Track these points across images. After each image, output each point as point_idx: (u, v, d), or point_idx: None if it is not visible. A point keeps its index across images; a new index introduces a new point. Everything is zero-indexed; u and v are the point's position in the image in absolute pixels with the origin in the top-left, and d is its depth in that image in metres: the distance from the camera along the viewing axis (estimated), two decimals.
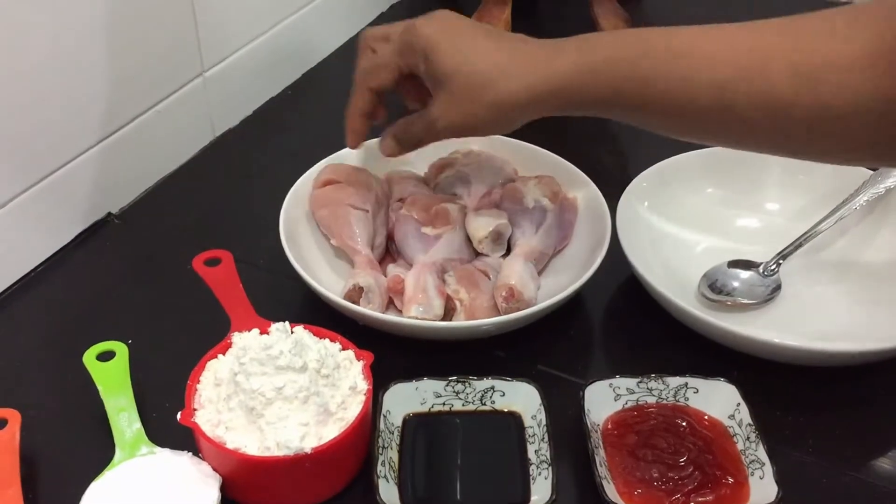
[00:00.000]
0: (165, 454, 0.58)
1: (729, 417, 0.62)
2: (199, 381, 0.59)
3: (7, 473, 0.56)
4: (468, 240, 0.74)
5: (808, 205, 0.78)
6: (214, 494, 0.55)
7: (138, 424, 0.60)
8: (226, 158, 0.93)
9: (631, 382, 0.63)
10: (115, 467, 0.57)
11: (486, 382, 0.63)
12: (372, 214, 0.74)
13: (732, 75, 0.55)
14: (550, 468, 0.58)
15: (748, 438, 0.60)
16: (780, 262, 0.74)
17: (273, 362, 0.56)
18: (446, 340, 0.69)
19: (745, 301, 0.72)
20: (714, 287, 0.72)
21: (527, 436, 0.61)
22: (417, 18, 0.65)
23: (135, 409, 0.61)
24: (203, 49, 0.89)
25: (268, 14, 0.97)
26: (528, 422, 0.62)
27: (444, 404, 0.63)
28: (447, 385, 0.63)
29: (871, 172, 0.77)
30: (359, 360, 0.61)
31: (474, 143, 0.83)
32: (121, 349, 0.64)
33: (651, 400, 0.63)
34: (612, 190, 0.76)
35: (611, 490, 0.57)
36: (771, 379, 0.67)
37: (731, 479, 0.58)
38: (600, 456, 0.59)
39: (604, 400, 0.63)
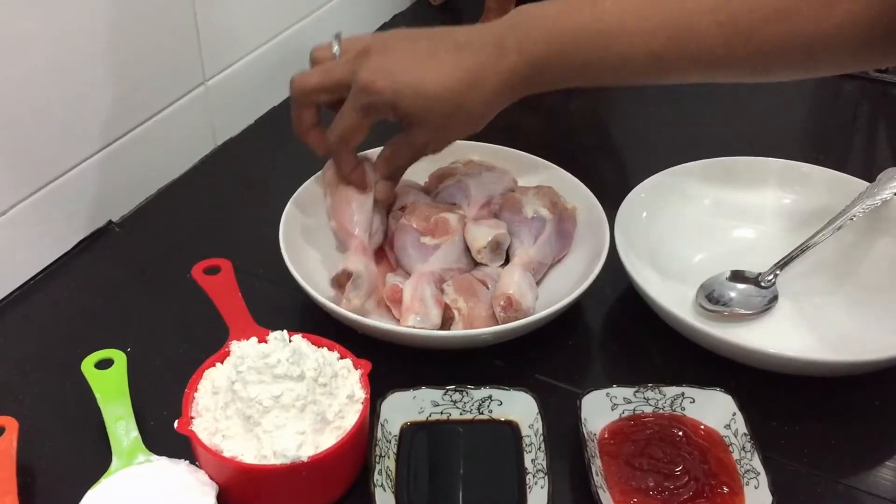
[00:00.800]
0: (162, 462, 0.58)
1: (725, 427, 0.62)
2: (196, 390, 0.59)
3: (4, 481, 0.56)
4: (467, 249, 0.74)
5: (805, 216, 0.78)
6: (211, 503, 0.55)
7: (135, 433, 0.60)
8: (227, 167, 0.93)
9: (628, 392, 0.64)
10: (111, 475, 0.57)
11: (484, 391, 0.63)
12: (373, 200, 0.74)
13: (665, 44, 0.60)
14: (547, 477, 0.58)
15: (743, 448, 0.60)
16: (777, 272, 0.74)
17: (271, 371, 0.56)
18: (444, 350, 0.70)
19: (743, 311, 0.72)
20: (711, 297, 0.73)
21: (524, 445, 0.61)
22: (360, 68, 0.66)
23: (132, 418, 0.61)
24: (205, 58, 0.89)
25: (270, 24, 0.98)
26: (525, 431, 0.62)
27: (441, 413, 0.64)
28: (445, 394, 0.63)
29: (868, 184, 0.78)
30: (356, 368, 0.61)
31: (474, 154, 0.84)
32: (119, 357, 0.64)
33: (648, 410, 0.64)
34: (612, 200, 0.77)
35: (607, 499, 0.57)
36: (767, 389, 0.67)
37: (726, 489, 0.58)
38: (597, 465, 0.59)
39: (601, 409, 0.63)
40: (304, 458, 0.55)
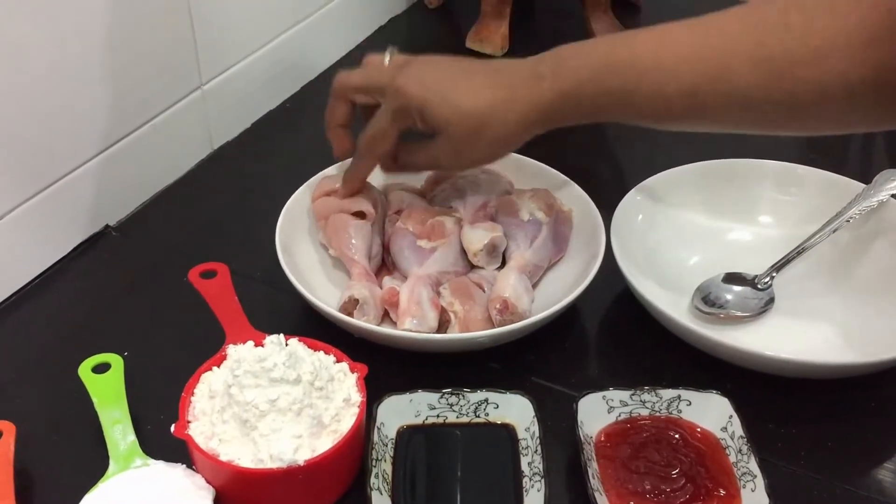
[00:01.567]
0: (159, 466, 0.58)
1: (721, 430, 0.62)
2: (193, 394, 0.59)
3: (1, 485, 0.56)
4: (463, 253, 0.74)
5: (801, 218, 0.78)
6: None
7: (132, 437, 0.60)
8: (224, 171, 0.93)
9: (624, 395, 0.64)
10: (108, 479, 0.57)
11: (480, 395, 0.64)
12: (371, 224, 0.75)
13: (700, 80, 0.58)
14: (543, 480, 0.58)
15: (740, 451, 0.60)
16: (774, 274, 0.74)
17: (267, 374, 0.56)
18: (441, 353, 0.70)
19: (739, 314, 0.72)
20: (708, 300, 0.73)
21: (520, 448, 0.61)
22: (398, 75, 0.68)
23: (129, 422, 0.61)
24: (202, 62, 0.89)
25: (266, 28, 0.98)
26: (521, 434, 0.62)
27: (438, 416, 0.64)
28: (441, 397, 0.63)
29: (864, 186, 0.78)
30: (353, 372, 0.61)
31: None
32: (116, 361, 0.64)
33: (644, 412, 0.64)
34: (608, 203, 0.77)
35: (603, 502, 0.57)
36: (764, 391, 0.67)
37: (723, 492, 0.58)
38: (593, 468, 0.59)
39: (597, 412, 0.63)
40: (301, 462, 0.55)
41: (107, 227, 0.84)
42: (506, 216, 0.75)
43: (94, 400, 0.62)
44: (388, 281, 0.72)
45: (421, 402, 0.63)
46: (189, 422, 0.58)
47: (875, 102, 0.56)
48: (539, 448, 0.60)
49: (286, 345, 0.60)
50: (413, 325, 0.67)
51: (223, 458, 0.55)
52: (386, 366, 0.64)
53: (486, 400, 0.64)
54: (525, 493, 0.59)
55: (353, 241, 0.73)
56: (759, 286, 0.74)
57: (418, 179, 0.83)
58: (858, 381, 0.67)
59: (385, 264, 0.76)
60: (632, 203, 0.77)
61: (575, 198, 0.79)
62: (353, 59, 1.13)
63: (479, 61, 0.70)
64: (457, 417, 0.64)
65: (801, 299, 0.74)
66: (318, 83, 1.08)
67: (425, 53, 1.18)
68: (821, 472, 0.62)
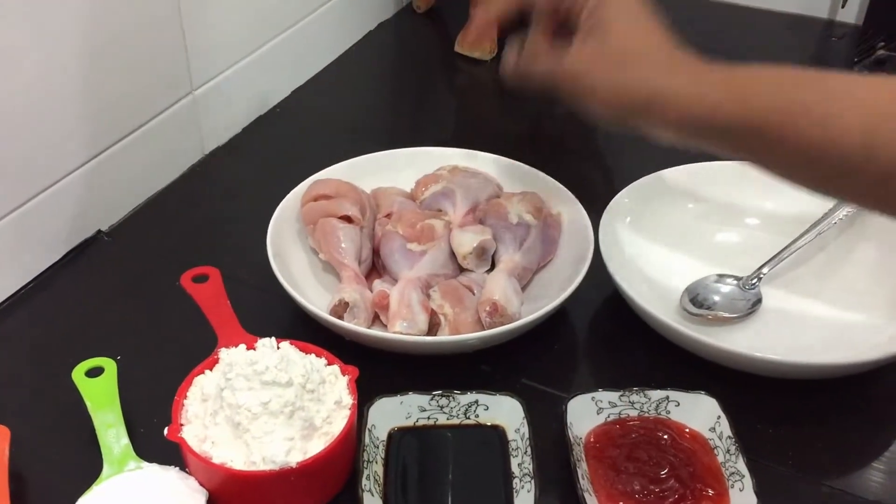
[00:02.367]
0: (153, 469, 0.58)
1: (710, 430, 0.63)
2: (185, 397, 0.60)
3: None
4: (453, 255, 0.75)
5: (788, 219, 0.79)
6: None
7: (126, 440, 0.60)
8: (215, 176, 0.93)
9: (613, 396, 0.64)
10: (102, 482, 0.57)
11: (470, 396, 0.64)
12: (360, 228, 0.75)
13: (882, 122, 0.51)
14: (533, 481, 0.58)
15: (728, 451, 0.61)
16: (761, 276, 0.75)
17: (259, 377, 0.57)
18: (431, 355, 0.70)
19: (727, 315, 0.73)
20: (696, 301, 0.73)
21: (510, 449, 0.62)
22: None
23: (123, 425, 0.61)
24: (192, 68, 0.90)
25: (257, 33, 0.99)
26: (511, 435, 0.63)
27: (428, 418, 0.64)
28: (431, 399, 0.64)
29: None
30: (344, 374, 0.61)
31: (459, 160, 0.84)
32: (109, 365, 0.64)
33: (633, 413, 0.64)
34: (598, 205, 0.77)
35: (593, 502, 0.58)
36: (752, 392, 0.68)
37: (711, 492, 0.59)
38: (582, 469, 0.60)
39: (586, 413, 0.64)
40: (293, 464, 0.55)
41: (99, 232, 0.84)
42: (495, 219, 0.76)
43: (88, 404, 0.62)
44: (378, 284, 0.72)
45: (412, 405, 0.64)
46: (182, 425, 0.58)
47: None
48: (529, 449, 0.60)
49: (278, 348, 0.61)
50: (403, 328, 0.67)
51: (216, 460, 0.56)
52: (377, 368, 0.65)
53: (477, 402, 0.64)
54: (515, 494, 0.59)
55: (343, 244, 0.73)
56: (746, 287, 0.75)
57: (408, 183, 0.83)
58: (846, 381, 0.68)
59: (375, 267, 0.77)
60: (619, 206, 0.78)
61: (564, 201, 0.79)
62: (342, 63, 1.13)
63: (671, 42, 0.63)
64: (447, 419, 0.64)
65: (789, 300, 0.75)
66: (309, 88, 1.08)
67: (414, 58, 1.20)
68: (808, 471, 0.63)
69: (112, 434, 0.60)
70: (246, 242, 0.79)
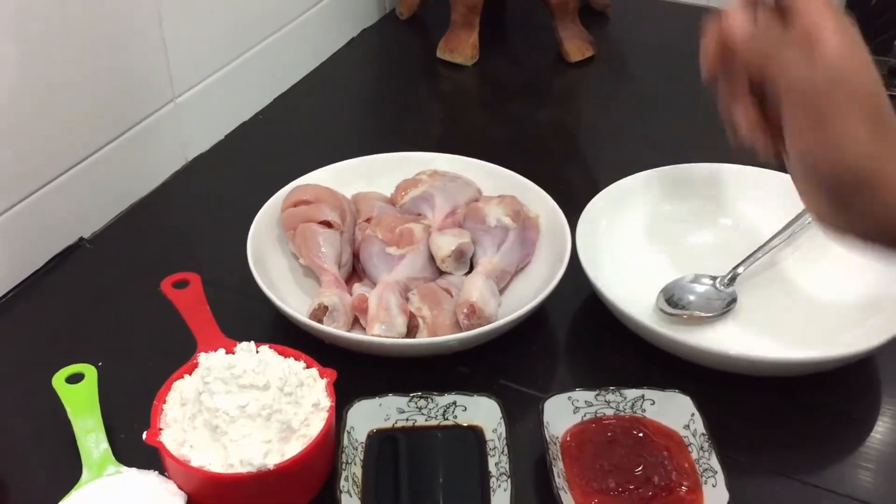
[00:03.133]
0: (132, 473, 0.59)
1: (684, 427, 0.63)
2: (165, 401, 0.60)
3: None
4: (432, 259, 0.75)
5: (762, 219, 0.80)
6: None
7: (105, 445, 0.61)
8: (197, 183, 0.94)
9: (589, 395, 0.65)
10: (82, 487, 0.58)
11: (448, 398, 0.65)
12: (340, 233, 0.76)
13: None
14: (509, 480, 0.59)
15: (702, 448, 0.61)
16: (736, 275, 0.76)
17: (237, 381, 0.58)
18: (410, 357, 0.71)
19: (702, 314, 0.73)
20: (671, 301, 0.74)
21: (488, 449, 0.63)
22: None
23: (102, 430, 0.62)
24: (174, 75, 0.90)
25: (239, 41, 0.99)
26: (489, 435, 0.63)
27: (407, 420, 0.65)
28: (410, 401, 0.65)
29: None
30: (322, 377, 0.62)
31: (439, 165, 0.85)
32: (90, 371, 0.65)
33: (609, 412, 0.65)
34: (578, 208, 0.78)
35: (568, 500, 0.58)
36: (727, 390, 0.68)
37: (684, 488, 0.60)
38: (558, 467, 0.61)
39: (563, 413, 0.64)
40: (271, 466, 0.56)
41: (81, 239, 0.84)
42: (473, 222, 0.77)
43: (68, 409, 0.63)
44: (358, 288, 0.73)
45: (390, 406, 0.65)
46: (161, 429, 0.59)
47: None
48: (506, 449, 0.61)
49: (257, 352, 0.61)
50: (382, 331, 0.68)
51: (194, 463, 0.56)
52: (357, 372, 0.66)
53: (455, 403, 0.65)
54: (492, 493, 0.60)
55: (323, 249, 0.74)
56: (721, 287, 0.76)
57: (388, 188, 0.84)
58: (820, 378, 0.69)
59: (356, 272, 0.78)
60: (596, 208, 0.79)
61: (542, 203, 0.80)
62: (325, 70, 1.14)
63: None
64: (426, 420, 0.65)
65: (763, 299, 0.76)
66: (291, 95, 1.09)
67: (397, 64, 1.21)
68: (782, 467, 0.64)
69: (92, 439, 0.61)
70: (227, 248, 0.79)
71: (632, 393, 0.65)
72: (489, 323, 0.69)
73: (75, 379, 0.64)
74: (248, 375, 0.58)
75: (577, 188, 0.94)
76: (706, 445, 0.61)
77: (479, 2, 1.13)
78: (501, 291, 0.75)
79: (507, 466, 0.60)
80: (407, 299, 0.71)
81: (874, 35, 1.08)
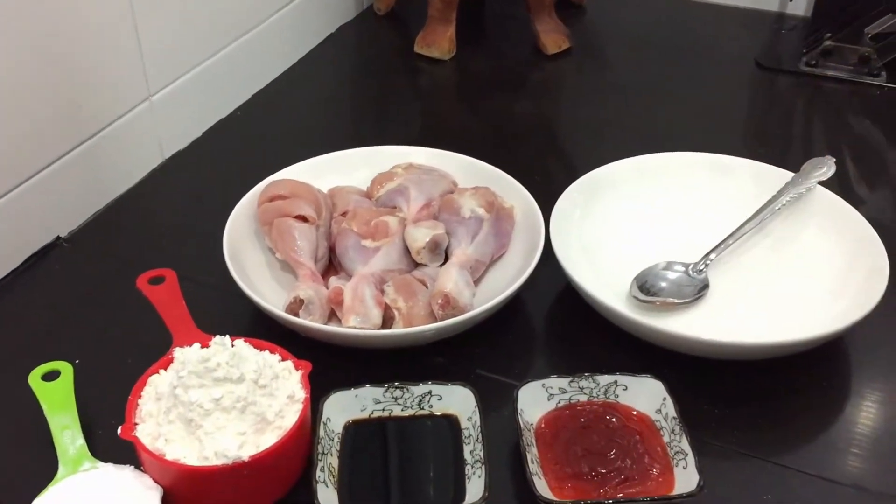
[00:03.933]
0: (108, 469, 0.59)
1: (656, 412, 0.64)
2: (140, 396, 0.61)
3: None
4: (407, 251, 0.76)
5: (734, 207, 0.81)
6: None
7: (81, 441, 0.61)
8: (175, 181, 0.94)
9: (563, 382, 0.66)
10: (58, 482, 0.58)
11: (424, 387, 0.65)
12: (316, 227, 0.76)
13: None
14: (484, 467, 0.60)
15: (673, 431, 0.62)
16: (708, 262, 0.77)
17: (211, 374, 0.58)
18: (386, 349, 0.71)
19: (674, 301, 0.74)
20: (644, 288, 0.75)
21: (463, 437, 0.63)
22: None
23: (78, 427, 0.62)
24: (149, 74, 0.91)
25: (215, 38, 0.99)
26: (464, 424, 0.64)
27: (383, 410, 0.65)
28: (386, 391, 0.65)
29: (793, 174, 0.81)
30: (297, 370, 0.62)
31: (415, 158, 0.86)
32: (66, 369, 0.65)
33: (583, 398, 0.66)
34: (554, 200, 0.79)
35: (542, 485, 0.59)
36: (700, 375, 0.69)
37: (656, 470, 0.61)
38: (532, 453, 0.61)
39: (537, 400, 0.65)
40: (245, 458, 0.56)
41: (58, 238, 0.85)
42: (448, 214, 0.77)
43: (44, 406, 0.63)
44: (334, 281, 0.74)
45: (366, 397, 0.65)
46: (136, 424, 0.59)
47: None
48: (480, 437, 0.62)
49: (232, 346, 0.62)
50: (357, 323, 0.69)
51: (169, 457, 0.57)
52: (334, 364, 0.66)
53: (430, 392, 0.65)
54: (467, 480, 0.60)
55: (299, 243, 0.74)
56: (693, 273, 0.76)
57: (364, 181, 0.84)
58: (790, 361, 0.70)
59: (333, 266, 0.78)
60: (570, 198, 0.79)
61: (517, 195, 0.81)
62: (303, 66, 1.15)
63: None
64: (402, 410, 0.65)
65: (735, 285, 0.77)
66: (268, 91, 1.09)
67: (375, 59, 1.21)
68: (751, 448, 0.65)
69: (68, 436, 0.61)
70: (205, 245, 0.80)
71: (605, 379, 0.66)
72: (464, 313, 0.69)
73: (51, 376, 0.65)
74: (223, 369, 0.58)
75: (555, 180, 0.94)
76: (677, 429, 0.62)
77: None
78: (477, 282, 0.76)
79: (481, 454, 0.61)
80: (382, 291, 0.72)
81: (846, 23, 1.10)
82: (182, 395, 0.58)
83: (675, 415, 0.63)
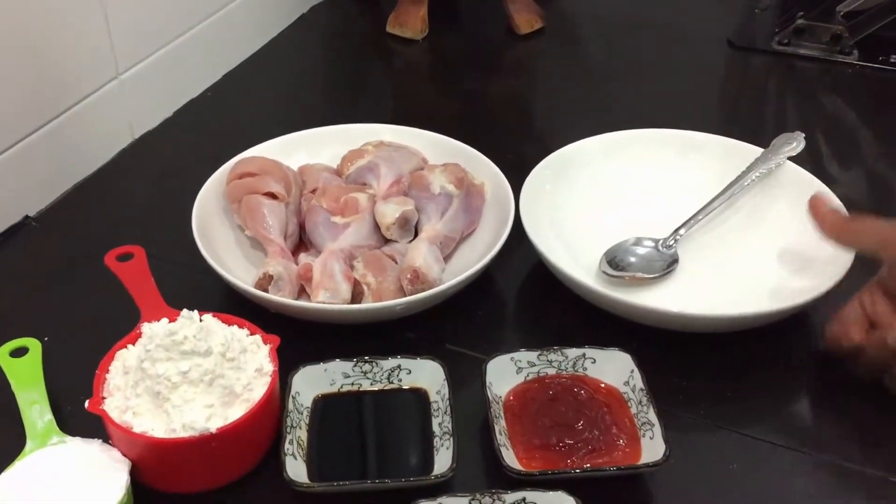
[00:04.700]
0: (75, 443, 0.59)
1: (624, 384, 0.65)
2: (108, 371, 0.60)
3: None
4: (377, 227, 0.76)
5: (703, 182, 0.81)
6: (123, 479, 0.56)
7: (49, 416, 0.61)
8: (145, 160, 0.94)
9: (532, 355, 0.66)
10: (25, 457, 0.58)
11: (393, 361, 0.66)
12: (285, 204, 0.76)
13: None
14: (452, 439, 0.60)
15: (640, 402, 0.63)
16: (678, 237, 0.77)
17: (178, 347, 0.58)
18: (356, 324, 0.71)
19: (643, 275, 0.75)
20: (613, 263, 0.75)
21: (432, 410, 0.64)
22: None
23: (46, 402, 0.62)
24: (117, 52, 0.90)
25: (185, 16, 0.99)
26: (433, 397, 0.64)
27: (353, 384, 0.66)
28: (355, 365, 0.65)
29: (762, 150, 0.81)
30: (266, 344, 0.62)
31: (385, 136, 0.86)
32: (34, 345, 0.65)
33: (551, 372, 0.66)
34: (525, 177, 0.79)
35: (510, 456, 0.59)
36: (669, 348, 0.70)
37: (623, 441, 0.61)
38: (500, 425, 0.62)
39: (506, 373, 0.65)
40: (213, 430, 0.56)
41: (27, 217, 0.84)
42: (417, 190, 0.77)
43: (12, 382, 0.63)
44: (304, 257, 0.74)
45: (336, 371, 0.65)
46: (104, 398, 0.59)
47: None
48: (449, 409, 0.62)
49: (200, 320, 0.62)
50: (326, 298, 0.69)
51: (136, 429, 0.56)
52: (305, 340, 0.66)
53: (399, 366, 0.66)
54: (436, 452, 0.61)
55: (268, 220, 0.74)
56: (663, 249, 0.77)
57: (335, 159, 0.84)
58: (757, 333, 0.70)
59: (303, 243, 0.78)
60: (540, 175, 0.80)
61: (487, 171, 0.81)
62: (275, 46, 1.14)
63: None
64: (371, 384, 0.66)
65: (704, 259, 0.77)
66: (240, 71, 1.09)
67: (347, 40, 1.21)
68: (718, 420, 0.65)
69: (36, 410, 0.61)
70: (175, 223, 0.79)
71: (573, 352, 0.66)
72: (433, 287, 0.69)
73: (20, 353, 0.65)
74: (190, 342, 0.58)
75: (528, 158, 0.94)
76: (645, 400, 0.63)
77: None
78: (447, 258, 0.76)
79: (450, 426, 0.61)
80: (352, 267, 0.72)
81: (818, 2, 1.10)
82: (149, 368, 0.57)
83: (642, 386, 0.63)
